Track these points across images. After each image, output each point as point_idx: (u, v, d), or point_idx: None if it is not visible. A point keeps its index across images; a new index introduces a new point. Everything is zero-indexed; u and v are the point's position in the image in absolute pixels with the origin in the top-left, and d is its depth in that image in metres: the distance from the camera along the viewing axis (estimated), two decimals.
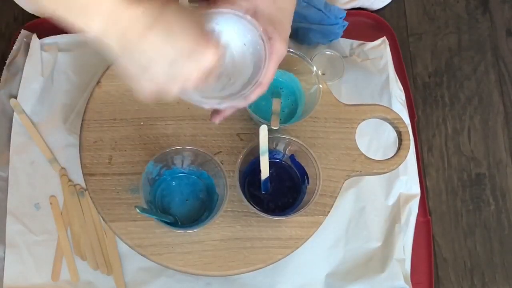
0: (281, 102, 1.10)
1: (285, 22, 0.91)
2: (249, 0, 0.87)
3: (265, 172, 1.01)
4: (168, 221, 1.00)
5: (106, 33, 0.69)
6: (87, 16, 0.68)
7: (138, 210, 0.93)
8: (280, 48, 0.88)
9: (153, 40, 0.70)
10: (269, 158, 0.99)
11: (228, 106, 0.89)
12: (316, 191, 1.00)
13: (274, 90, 1.11)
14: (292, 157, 1.06)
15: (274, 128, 1.01)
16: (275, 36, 0.87)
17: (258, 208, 1.00)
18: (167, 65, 0.73)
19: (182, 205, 1.06)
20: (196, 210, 1.06)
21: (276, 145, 1.04)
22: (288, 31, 0.91)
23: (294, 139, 1.02)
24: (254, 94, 0.87)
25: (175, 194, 1.06)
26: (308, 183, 1.05)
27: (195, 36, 0.73)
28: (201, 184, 1.07)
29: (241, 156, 1.01)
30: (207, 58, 0.74)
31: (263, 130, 0.97)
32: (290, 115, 1.12)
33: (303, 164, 1.05)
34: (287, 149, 1.05)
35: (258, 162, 1.00)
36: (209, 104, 0.87)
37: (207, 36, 0.75)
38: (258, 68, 0.87)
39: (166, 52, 0.72)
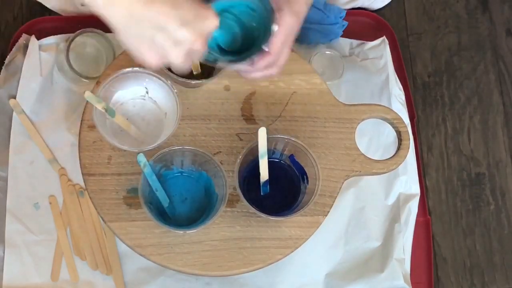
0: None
1: None
2: None
3: (264, 175, 1.01)
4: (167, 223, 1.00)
5: (114, 1, 0.72)
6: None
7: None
8: (290, 20, 0.88)
9: (159, 7, 0.73)
10: (268, 158, 0.98)
11: (236, 68, 0.93)
12: (315, 191, 1.00)
13: None
14: (291, 157, 1.06)
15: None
16: (285, 7, 0.88)
17: (258, 209, 1.00)
18: (173, 30, 0.75)
19: (181, 205, 1.06)
20: (195, 210, 1.06)
21: (275, 144, 1.04)
22: (302, 5, 0.90)
23: (293, 139, 1.01)
24: (262, 61, 0.90)
25: (175, 194, 1.06)
26: (307, 183, 1.05)
27: (197, 6, 0.77)
28: (200, 184, 1.07)
29: (240, 156, 1.00)
30: (210, 22, 0.78)
31: (262, 132, 0.96)
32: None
33: (302, 164, 1.05)
34: (286, 149, 1.05)
35: (257, 162, 1.00)
36: (220, 63, 0.92)
37: (205, 6, 0.79)
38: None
39: (172, 18, 0.75)
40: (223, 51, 0.95)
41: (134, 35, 0.77)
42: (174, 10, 0.74)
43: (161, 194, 1.03)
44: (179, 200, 1.06)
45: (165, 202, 1.04)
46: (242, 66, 0.92)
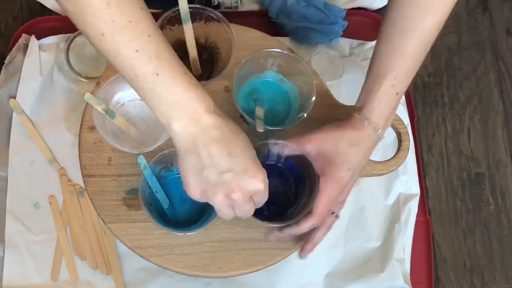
0: (264, 109, 1.08)
1: (342, 165, 0.96)
2: (315, 145, 0.97)
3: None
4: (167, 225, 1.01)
5: (185, 131, 0.82)
6: (173, 113, 0.81)
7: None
8: (331, 187, 0.96)
9: (215, 151, 0.82)
10: (264, 162, 0.98)
11: (279, 228, 1.01)
12: (313, 195, 0.99)
13: (258, 97, 1.13)
14: (287, 160, 1.05)
15: (260, 131, 1.01)
16: (328, 175, 0.96)
17: (258, 217, 0.98)
18: (218, 173, 0.83)
19: (181, 207, 1.06)
20: (195, 212, 1.06)
21: (268, 150, 1.03)
22: (343, 170, 0.96)
23: (279, 141, 1.00)
24: (307, 224, 0.97)
25: (175, 196, 1.06)
26: (305, 184, 1.04)
27: (250, 161, 0.86)
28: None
29: None
30: (257, 181, 0.85)
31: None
32: (284, 116, 1.13)
33: (299, 166, 1.05)
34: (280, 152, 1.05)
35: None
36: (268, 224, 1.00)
37: (260, 167, 0.87)
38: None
39: (222, 163, 0.83)
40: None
41: (190, 162, 0.84)
42: (226, 158, 0.83)
43: (161, 196, 1.03)
44: (179, 202, 1.06)
45: (165, 203, 1.04)
46: (289, 229, 0.99)
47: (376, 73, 0.98)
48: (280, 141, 0.99)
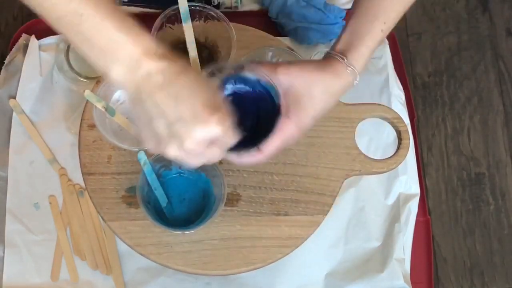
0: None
1: (309, 111, 0.87)
2: (288, 78, 0.86)
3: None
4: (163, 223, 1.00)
5: (124, 80, 0.72)
6: (106, 59, 0.71)
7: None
8: (290, 130, 0.86)
9: (161, 99, 0.72)
10: (234, 90, 0.91)
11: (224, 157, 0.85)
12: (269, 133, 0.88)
13: None
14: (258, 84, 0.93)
15: None
16: (292, 117, 0.86)
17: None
18: (167, 124, 0.73)
19: (179, 206, 1.06)
20: (193, 212, 1.06)
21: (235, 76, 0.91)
22: (308, 118, 0.87)
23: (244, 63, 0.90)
24: (250, 159, 0.87)
25: (173, 194, 1.06)
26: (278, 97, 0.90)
27: (200, 103, 0.73)
28: (199, 186, 1.07)
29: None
30: (211, 126, 0.73)
31: None
32: None
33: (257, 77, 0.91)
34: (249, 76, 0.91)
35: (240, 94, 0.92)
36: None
37: (215, 107, 0.74)
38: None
39: (169, 112, 0.72)
40: None
41: (139, 112, 0.75)
42: (172, 107, 0.72)
43: (159, 193, 1.03)
44: (178, 201, 1.06)
45: (163, 201, 1.04)
46: (231, 157, 0.87)
47: (365, 15, 0.89)
48: (246, 64, 0.87)
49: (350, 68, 0.87)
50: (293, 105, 0.86)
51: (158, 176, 1.03)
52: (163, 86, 0.71)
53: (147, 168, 0.98)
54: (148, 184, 1.01)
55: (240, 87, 0.90)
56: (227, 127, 0.75)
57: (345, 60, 0.87)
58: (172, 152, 0.75)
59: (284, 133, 0.86)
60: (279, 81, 0.86)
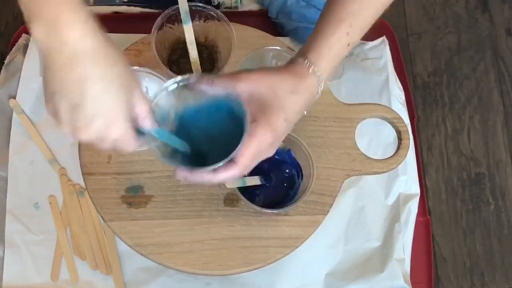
0: None
1: (278, 112, 0.83)
2: (250, 84, 0.83)
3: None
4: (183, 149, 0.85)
5: (42, 39, 0.65)
6: (30, 13, 0.64)
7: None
8: (262, 135, 0.81)
9: (70, 79, 0.67)
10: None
11: (197, 176, 0.82)
12: (308, 187, 0.98)
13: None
14: (288, 152, 1.05)
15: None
16: (261, 121, 0.82)
17: (253, 203, 0.96)
18: (70, 106, 0.69)
19: (211, 145, 0.88)
20: (224, 142, 0.86)
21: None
22: (279, 119, 0.83)
23: (293, 135, 1.00)
24: (226, 173, 0.81)
25: (199, 138, 0.88)
26: (302, 179, 1.04)
27: (112, 102, 0.71)
28: (224, 109, 0.86)
29: None
30: (115, 128, 0.72)
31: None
32: None
33: (298, 160, 1.04)
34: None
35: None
36: (179, 169, 0.81)
37: (126, 110, 0.73)
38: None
39: (74, 97, 0.68)
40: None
41: (44, 76, 0.69)
42: (84, 92, 0.67)
43: (175, 142, 0.85)
44: (209, 141, 0.89)
45: (182, 147, 0.86)
46: (205, 176, 0.81)
47: (331, 17, 0.87)
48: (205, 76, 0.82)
49: (311, 68, 0.84)
50: (260, 110, 0.82)
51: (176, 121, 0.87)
52: (79, 65, 0.65)
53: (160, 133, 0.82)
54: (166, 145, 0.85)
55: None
56: (129, 134, 0.73)
57: (306, 60, 0.85)
58: (66, 131, 0.71)
59: (255, 138, 0.81)
60: (241, 88, 0.82)
